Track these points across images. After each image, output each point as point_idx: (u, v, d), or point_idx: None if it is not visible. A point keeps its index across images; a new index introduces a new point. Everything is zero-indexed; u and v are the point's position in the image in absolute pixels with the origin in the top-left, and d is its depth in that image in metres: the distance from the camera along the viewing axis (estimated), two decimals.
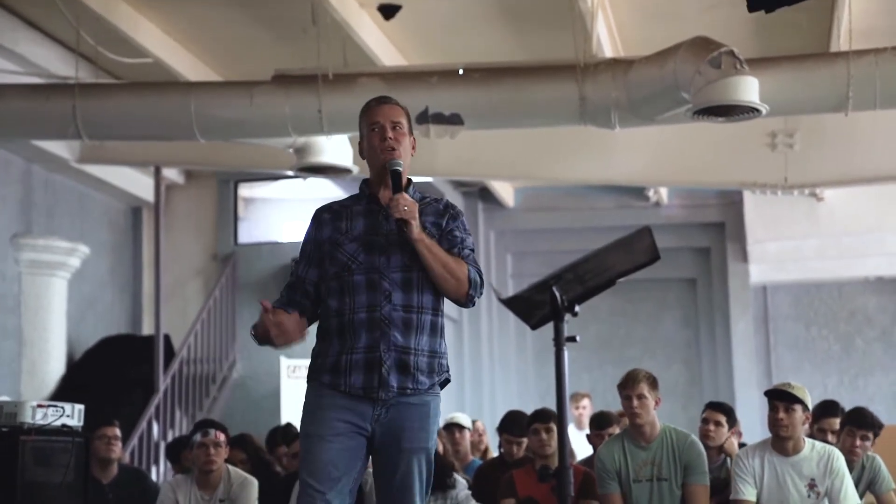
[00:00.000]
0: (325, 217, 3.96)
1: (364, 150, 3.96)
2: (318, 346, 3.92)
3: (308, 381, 3.92)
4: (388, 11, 8.12)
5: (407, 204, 3.77)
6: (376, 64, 8.52)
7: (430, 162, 10.00)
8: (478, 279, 3.86)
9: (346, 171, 8.91)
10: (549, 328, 4.35)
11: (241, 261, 11.77)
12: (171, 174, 11.80)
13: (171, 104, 7.78)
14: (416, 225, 3.77)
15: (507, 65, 7.77)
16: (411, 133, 3.98)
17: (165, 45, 8.57)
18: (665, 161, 10.05)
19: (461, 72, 7.65)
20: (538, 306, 4.28)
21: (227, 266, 11.72)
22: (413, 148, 3.99)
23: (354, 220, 3.92)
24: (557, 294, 4.03)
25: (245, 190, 12.41)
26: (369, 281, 3.81)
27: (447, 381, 3.98)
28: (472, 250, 3.94)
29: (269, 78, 7.86)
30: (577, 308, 4.14)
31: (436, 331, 3.88)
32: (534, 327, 4.41)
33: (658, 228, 4.25)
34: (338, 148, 8.73)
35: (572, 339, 4.10)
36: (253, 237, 12.25)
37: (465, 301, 3.87)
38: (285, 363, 10.37)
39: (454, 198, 13.15)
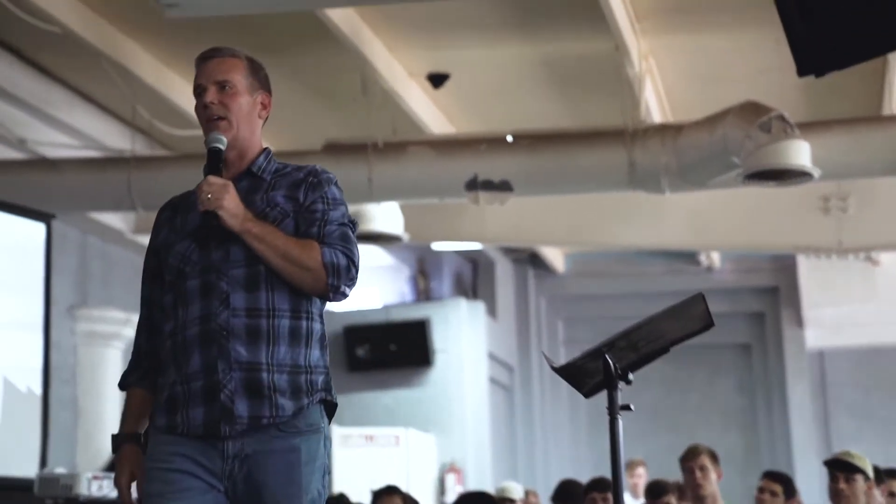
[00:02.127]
0: (165, 216, 3.14)
1: None
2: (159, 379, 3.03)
3: (149, 429, 3.03)
4: (436, 80, 8.19)
5: (212, 190, 2.90)
6: (425, 132, 8.57)
7: (479, 228, 10.01)
8: (338, 261, 2.94)
9: (397, 238, 8.93)
10: (602, 395, 4.30)
11: None
12: None
13: None
14: (230, 214, 2.90)
15: (555, 131, 7.79)
16: (262, 88, 3.13)
17: None
18: (716, 225, 9.98)
19: (510, 139, 7.68)
20: (591, 374, 4.23)
21: None
22: (264, 107, 3.12)
23: (189, 212, 3.04)
24: (610, 362, 3.98)
25: None
26: (204, 284, 2.94)
27: (329, 404, 3.01)
28: (345, 224, 3.04)
29: (320, 147, 7.93)
30: (630, 376, 4.09)
31: (298, 338, 2.95)
32: (587, 395, 4.35)
33: (710, 293, 4.21)
34: (388, 215, 8.76)
35: (626, 407, 4.05)
36: None
37: (329, 293, 2.95)
38: (337, 431, 10.33)
39: (504, 264, 13.15)
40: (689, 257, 12.86)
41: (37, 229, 7.05)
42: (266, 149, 3.12)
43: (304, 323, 2.97)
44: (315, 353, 2.99)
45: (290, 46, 7.69)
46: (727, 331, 12.52)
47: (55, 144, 8.14)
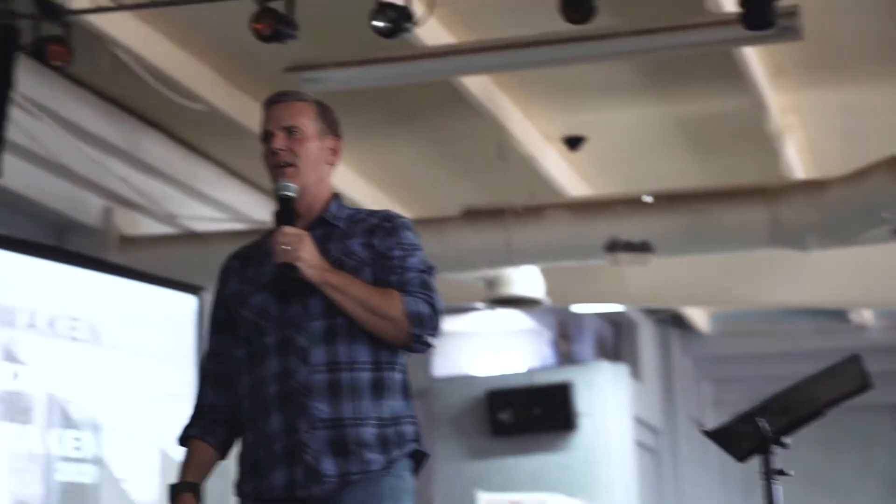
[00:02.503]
0: (234, 266, 3.03)
1: None
2: (241, 441, 2.94)
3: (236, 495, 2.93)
4: (573, 143, 8.19)
5: (287, 241, 2.79)
6: (563, 195, 8.57)
7: (620, 290, 9.91)
8: (421, 310, 2.82)
9: (537, 302, 8.91)
10: (754, 458, 4.17)
11: (437, 395, 11.81)
12: None
13: None
14: (307, 265, 2.78)
15: (694, 190, 7.70)
16: (332, 133, 3.02)
17: (358, 187, 8.83)
18: (867, 282, 9.68)
19: (648, 199, 7.61)
20: (744, 438, 4.11)
21: (423, 400, 11.78)
22: (334, 152, 3.02)
23: (263, 262, 2.91)
24: (763, 426, 3.87)
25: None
26: (282, 340, 2.83)
27: (420, 455, 2.90)
28: (424, 271, 2.91)
29: (458, 213, 7.99)
30: (785, 440, 3.95)
31: (381, 390, 2.83)
32: (741, 460, 4.24)
33: (865, 352, 4.07)
34: (528, 279, 8.76)
35: (781, 472, 3.92)
36: (447, 370, 12.31)
37: (412, 343, 2.83)
38: (483, 497, 10.26)
39: (647, 326, 12.98)
40: (839, 315, 12.48)
41: (187, 301, 7.23)
42: (336, 194, 3.01)
43: (386, 374, 2.85)
44: (400, 403, 2.86)
45: (426, 114, 7.80)
46: (884, 391, 11.96)
47: (203, 218, 8.38)
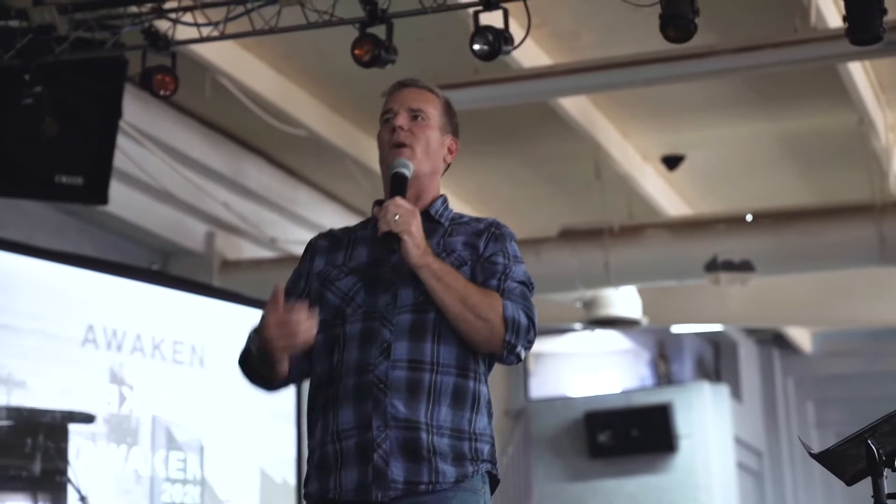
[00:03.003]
0: (321, 244, 2.81)
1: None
2: (308, 438, 2.71)
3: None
4: (671, 162, 8.12)
5: (399, 211, 2.60)
6: (661, 214, 8.49)
7: (720, 309, 9.77)
8: (519, 318, 2.62)
9: (636, 322, 8.83)
10: (862, 480, 4.07)
11: (534, 416, 11.76)
12: None
13: None
14: (413, 242, 2.58)
15: (797, 208, 7.58)
16: (453, 132, 2.86)
17: (455, 208, 8.84)
18: None
19: (749, 218, 7.51)
20: (853, 461, 4.01)
21: (520, 422, 11.74)
22: (451, 152, 2.86)
23: (356, 247, 2.75)
24: (874, 448, 3.77)
25: (535, 345, 12.46)
26: (365, 330, 2.61)
27: (494, 479, 2.68)
28: (526, 283, 2.72)
29: (556, 233, 7.96)
30: None
31: (463, 399, 2.61)
32: (849, 483, 4.13)
33: None
34: (626, 299, 8.68)
35: (893, 496, 3.82)
36: (544, 392, 12.26)
37: (503, 350, 2.62)
38: None
39: (748, 346, 12.78)
40: None
41: None
42: (443, 195, 2.85)
43: (470, 383, 2.62)
44: (483, 419, 2.65)
45: (523, 135, 7.80)
46: None
47: (303, 242, 8.44)
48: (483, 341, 2.61)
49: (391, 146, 2.73)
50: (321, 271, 2.73)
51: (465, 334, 2.60)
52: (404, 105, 2.76)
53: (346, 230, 2.84)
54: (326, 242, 2.79)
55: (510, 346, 2.60)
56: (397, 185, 2.69)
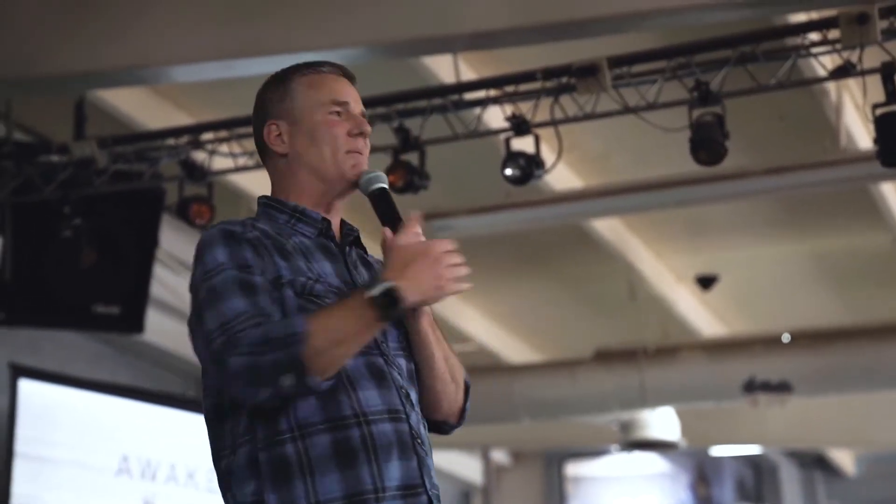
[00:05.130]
0: (262, 241, 2.10)
1: (292, 138, 2.19)
2: (269, 491, 1.99)
3: None
4: (705, 282, 8.10)
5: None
6: (697, 335, 8.44)
7: (759, 431, 9.64)
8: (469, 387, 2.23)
9: (673, 445, 8.71)
10: None
11: None
12: (499, 456, 11.91)
13: (496, 388, 7.95)
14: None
15: (835, 329, 7.52)
16: None
17: (488, 331, 8.84)
18: None
19: (787, 338, 7.46)
20: None
21: None
22: None
23: (313, 257, 2.14)
24: None
25: (572, 468, 12.32)
26: (372, 367, 2.07)
27: None
28: None
29: (591, 355, 7.92)
30: None
31: None
32: None
33: None
34: (663, 421, 8.58)
35: None
36: None
37: (459, 420, 2.22)
38: None
39: (789, 468, 12.54)
40: None
41: None
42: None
43: None
44: None
45: (556, 256, 7.81)
46: None
47: None
48: (448, 407, 2.19)
49: (354, 151, 2.18)
50: (294, 280, 2.07)
51: (435, 396, 2.17)
52: (357, 104, 2.23)
53: (266, 229, 2.14)
54: (268, 241, 2.11)
55: (462, 416, 2.21)
56: (390, 206, 2.18)
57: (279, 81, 2.24)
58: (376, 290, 2.00)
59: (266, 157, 2.25)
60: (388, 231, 2.13)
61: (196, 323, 2.06)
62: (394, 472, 2.00)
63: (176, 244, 6.79)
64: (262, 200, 2.24)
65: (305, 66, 2.23)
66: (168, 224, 6.06)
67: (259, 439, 2.01)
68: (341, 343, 1.97)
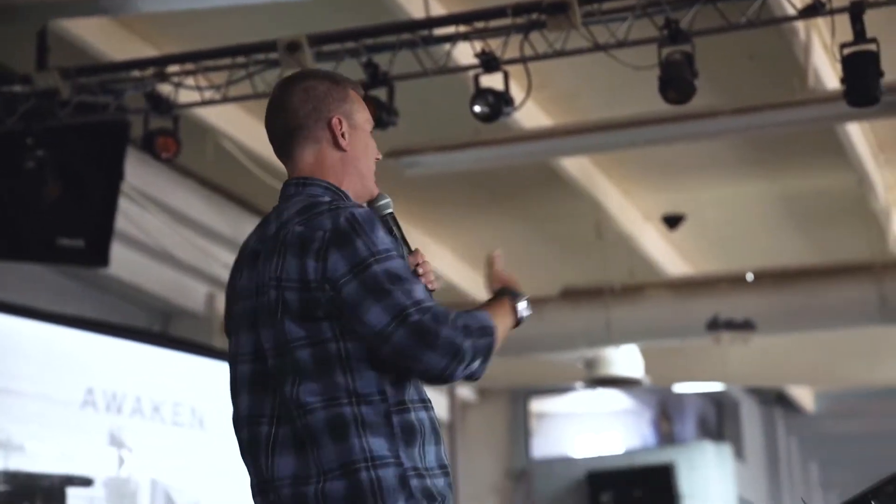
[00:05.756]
0: None
1: (351, 141, 2.41)
2: (402, 450, 2.25)
3: None
4: (672, 222, 8.13)
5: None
6: (662, 273, 8.49)
7: (722, 369, 9.74)
8: None
9: (637, 382, 8.80)
10: None
11: (536, 476, 11.68)
12: (465, 392, 12.00)
13: None
14: None
15: (798, 268, 7.59)
16: None
17: (455, 268, 8.86)
18: None
19: (750, 277, 7.52)
20: None
21: (522, 482, 11.65)
22: None
23: None
24: None
25: (536, 405, 12.44)
26: None
27: None
28: None
29: (557, 293, 7.96)
30: None
31: None
32: None
33: None
34: (627, 359, 8.66)
35: None
36: (546, 452, 12.18)
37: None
38: None
39: (750, 405, 12.71)
40: None
41: None
42: None
43: None
44: None
45: (524, 194, 7.82)
46: None
47: None
48: None
49: (372, 175, 2.46)
50: None
51: None
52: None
53: None
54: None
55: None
56: (400, 229, 2.44)
57: (337, 83, 2.44)
58: (526, 312, 2.43)
59: (310, 140, 2.41)
60: (497, 256, 2.56)
61: (374, 293, 2.21)
62: (444, 452, 2.34)
63: (141, 178, 6.74)
64: (333, 187, 2.39)
65: (351, 83, 2.46)
66: (133, 157, 6.01)
67: (391, 403, 2.25)
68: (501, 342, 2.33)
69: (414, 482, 2.23)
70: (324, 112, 2.39)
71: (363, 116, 2.45)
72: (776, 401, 12.81)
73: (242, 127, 6.54)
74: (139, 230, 7.01)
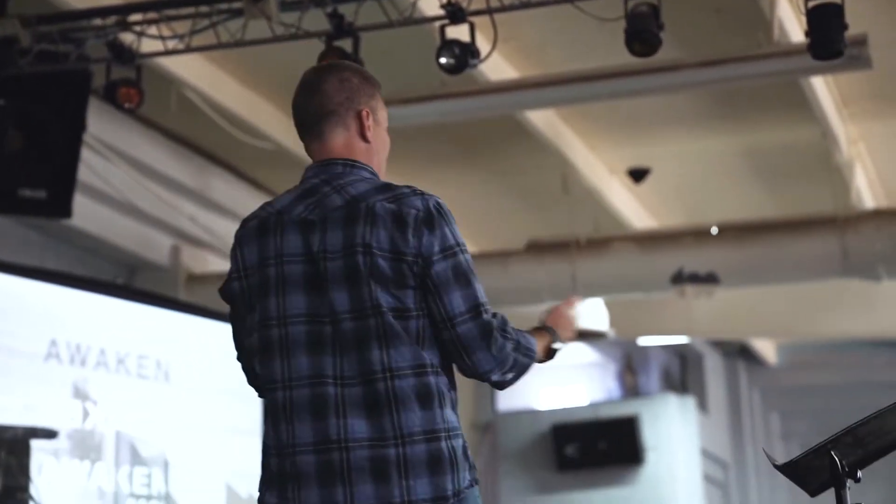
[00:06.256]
0: None
1: (375, 134, 2.58)
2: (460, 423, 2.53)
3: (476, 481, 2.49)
4: (637, 175, 8.16)
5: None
6: (628, 227, 8.53)
7: (686, 322, 9.81)
8: None
9: (602, 335, 8.84)
10: (826, 492, 4.09)
11: (501, 429, 11.76)
12: None
13: None
14: None
15: (762, 221, 7.63)
16: None
17: None
18: None
19: (715, 231, 7.56)
20: (816, 472, 4.03)
21: (488, 435, 11.73)
22: None
23: None
24: (837, 459, 3.79)
25: None
26: None
27: None
28: None
29: (523, 246, 7.98)
30: (859, 474, 3.88)
31: None
32: (813, 494, 4.15)
33: None
34: (592, 313, 8.69)
35: None
36: (512, 405, 12.26)
37: None
38: None
39: (714, 358, 12.84)
40: None
41: None
42: None
43: None
44: None
45: (490, 147, 7.81)
46: None
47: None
48: None
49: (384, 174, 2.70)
50: None
51: None
52: None
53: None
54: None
55: None
56: None
57: (367, 79, 2.60)
58: (556, 357, 2.67)
59: (341, 126, 2.55)
60: (575, 300, 2.86)
61: (458, 279, 2.41)
62: None
63: (104, 129, 6.68)
64: (376, 175, 2.57)
65: (377, 82, 2.61)
66: (95, 107, 5.96)
67: (450, 379, 2.48)
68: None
69: (469, 453, 2.45)
70: (355, 103, 2.55)
71: (384, 115, 2.62)
72: (739, 353, 12.95)
73: (206, 77, 6.49)
74: (103, 182, 6.96)
